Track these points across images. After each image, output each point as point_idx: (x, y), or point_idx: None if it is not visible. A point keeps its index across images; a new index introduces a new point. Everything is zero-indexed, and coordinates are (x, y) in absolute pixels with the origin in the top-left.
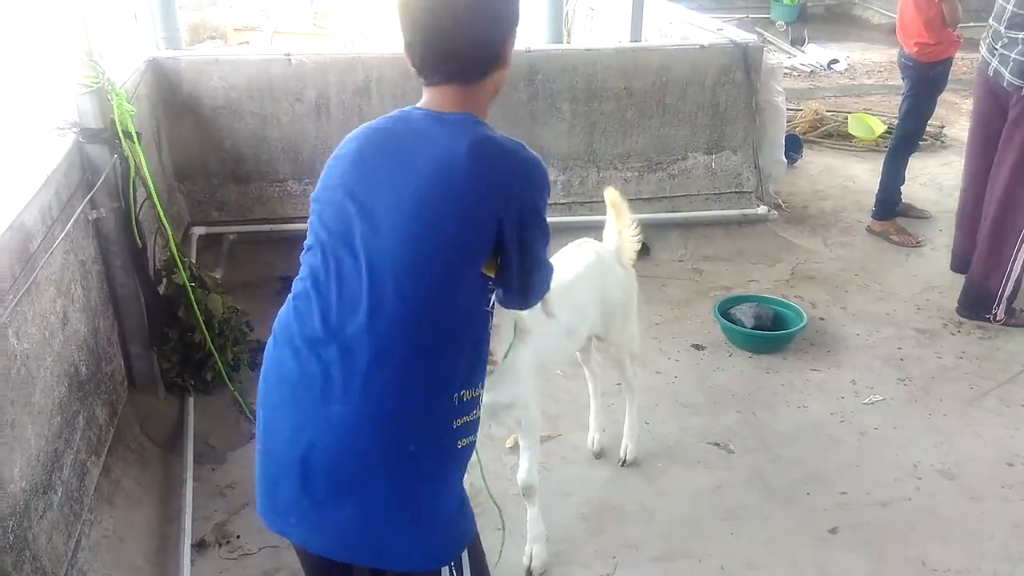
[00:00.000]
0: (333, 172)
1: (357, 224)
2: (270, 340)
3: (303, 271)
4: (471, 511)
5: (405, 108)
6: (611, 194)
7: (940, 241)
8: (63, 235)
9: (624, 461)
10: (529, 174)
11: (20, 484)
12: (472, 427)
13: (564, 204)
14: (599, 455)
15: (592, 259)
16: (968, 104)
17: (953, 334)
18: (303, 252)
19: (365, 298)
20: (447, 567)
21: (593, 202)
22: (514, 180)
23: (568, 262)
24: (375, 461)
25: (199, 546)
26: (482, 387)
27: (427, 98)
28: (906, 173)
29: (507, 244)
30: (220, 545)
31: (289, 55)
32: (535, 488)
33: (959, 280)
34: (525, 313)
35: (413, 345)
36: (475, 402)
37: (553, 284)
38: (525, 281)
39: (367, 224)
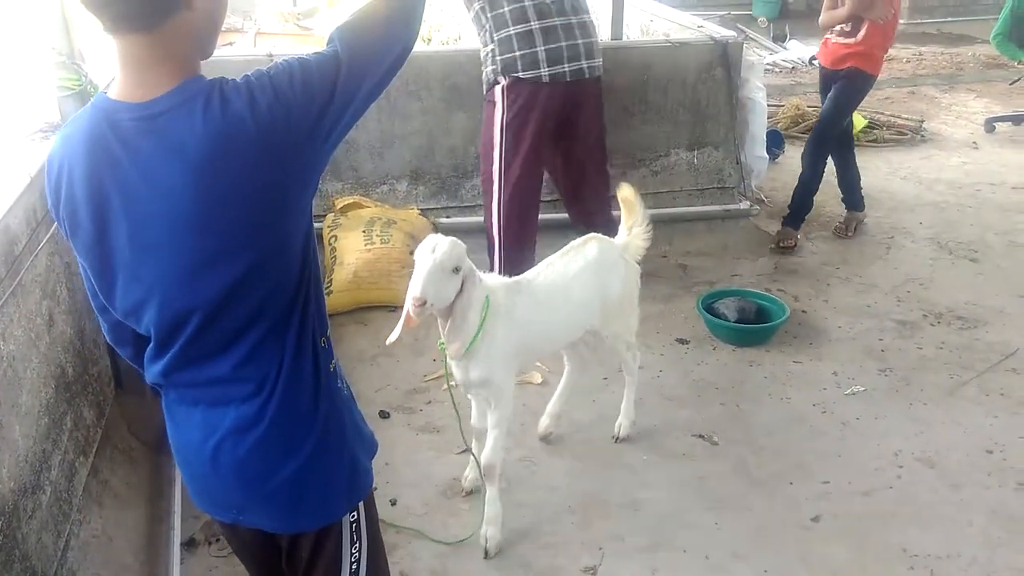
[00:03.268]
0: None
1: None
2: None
3: None
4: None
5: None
6: (624, 191)
7: (920, 233)
8: (48, 237)
9: (617, 437)
10: None
11: (8, 485)
12: None
13: (548, 202)
14: (544, 438)
15: (594, 256)
16: (948, 98)
17: (933, 325)
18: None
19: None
20: (347, 516)
21: None
22: None
23: (571, 259)
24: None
25: (188, 544)
26: None
27: (122, 67)
28: (884, 167)
29: None
30: (209, 543)
31: (271, 55)
32: (496, 468)
33: (940, 272)
34: (500, 298)
35: None
36: None
37: (553, 278)
38: None
39: None
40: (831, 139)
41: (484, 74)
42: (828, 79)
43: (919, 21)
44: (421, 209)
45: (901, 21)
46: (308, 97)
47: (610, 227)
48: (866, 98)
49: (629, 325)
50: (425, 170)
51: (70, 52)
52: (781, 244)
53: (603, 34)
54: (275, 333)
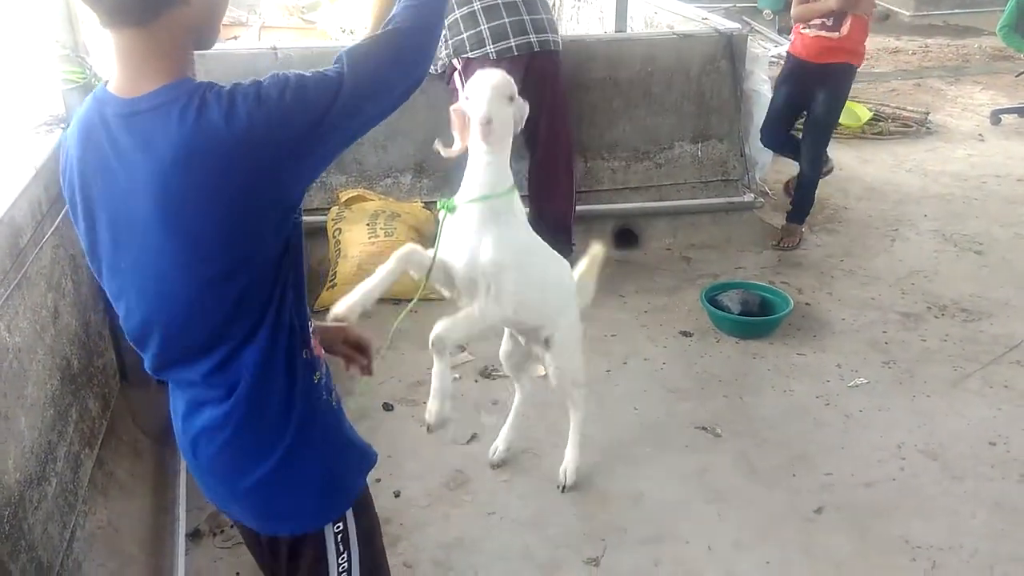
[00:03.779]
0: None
1: None
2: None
3: None
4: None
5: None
6: (595, 249)
7: (924, 226)
8: (52, 230)
9: (564, 487)
10: None
11: (14, 476)
12: None
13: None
14: (498, 464)
15: (566, 266)
16: (954, 90)
17: (937, 317)
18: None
19: None
20: (331, 526)
21: (581, 191)
22: None
23: (555, 256)
24: None
25: (193, 535)
26: None
27: (116, 61)
28: (889, 159)
29: None
30: (214, 535)
31: (275, 48)
32: (445, 342)
33: (945, 265)
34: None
35: None
36: None
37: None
38: None
39: None
40: (830, 136)
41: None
42: (808, 72)
43: (925, 13)
44: (425, 202)
45: (907, 13)
46: (298, 110)
47: (562, 223)
48: (872, 90)
49: (575, 362)
50: (429, 163)
51: (74, 45)
52: (784, 243)
53: (608, 26)
54: (246, 344)
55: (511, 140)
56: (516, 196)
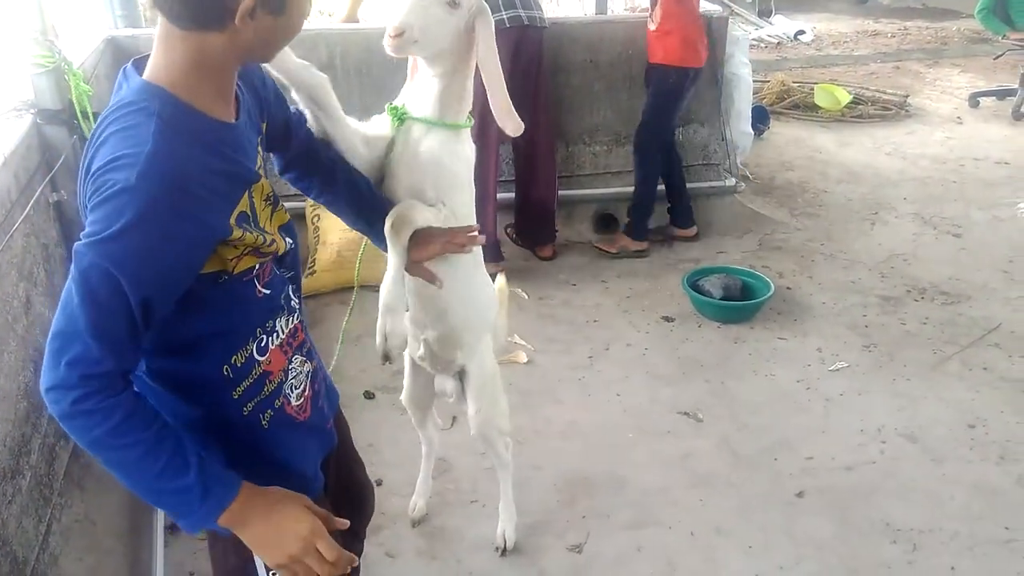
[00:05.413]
0: None
1: None
2: None
3: None
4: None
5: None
6: (498, 283)
7: (904, 209)
8: (23, 218)
9: (504, 550)
10: None
11: None
12: None
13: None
14: (418, 522)
15: (494, 299)
16: (933, 73)
17: (916, 300)
18: None
19: None
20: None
21: (562, 176)
22: None
23: (487, 278)
24: None
25: (172, 528)
26: None
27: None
28: (868, 142)
29: None
30: None
31: None
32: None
33: (924, 248)
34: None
35: None
36: None
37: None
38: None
39: None
40: (654, 139)
41: None
42: (647, 71)
43: None
44: None
45: None
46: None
47: (545, 209)
48: (851, 73)
49: (498, 405)
50: None
51: (43, 28)
52: (601, 246)
53: (588, 9)
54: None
55: (459, 59)
56: (468, 138)
